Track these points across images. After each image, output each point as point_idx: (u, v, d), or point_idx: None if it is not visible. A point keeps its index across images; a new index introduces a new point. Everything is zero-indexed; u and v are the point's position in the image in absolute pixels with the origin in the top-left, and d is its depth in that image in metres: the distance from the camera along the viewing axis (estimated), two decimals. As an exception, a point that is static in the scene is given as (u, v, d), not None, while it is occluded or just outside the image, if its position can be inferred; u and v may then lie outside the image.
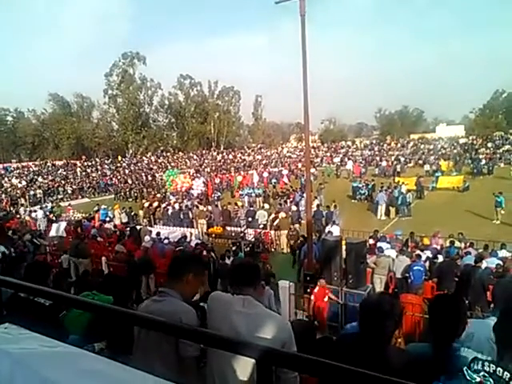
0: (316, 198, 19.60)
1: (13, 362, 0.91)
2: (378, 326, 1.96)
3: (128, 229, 16.73)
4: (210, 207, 20.82)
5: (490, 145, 41.51)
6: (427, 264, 10.50)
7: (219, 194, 27.53)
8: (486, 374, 1.21)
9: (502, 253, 11.14)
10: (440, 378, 1.50)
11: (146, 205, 22.48)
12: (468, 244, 12.40)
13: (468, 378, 1.24)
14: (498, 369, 1.20)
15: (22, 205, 29.01)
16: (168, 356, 1.97)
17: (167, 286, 2.22)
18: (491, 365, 1.21)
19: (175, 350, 1.96)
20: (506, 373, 1.18)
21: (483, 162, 32.29)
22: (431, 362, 1.74)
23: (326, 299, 8.28)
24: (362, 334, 2.02)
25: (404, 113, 70.20)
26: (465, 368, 1.27)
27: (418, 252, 11.20)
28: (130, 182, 36.54)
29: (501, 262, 9.45)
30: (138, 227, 17.34)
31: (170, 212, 20.55)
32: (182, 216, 20.03)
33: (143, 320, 1.57)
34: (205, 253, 11.61)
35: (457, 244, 12.58)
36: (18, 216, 23.18)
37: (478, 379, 1.23)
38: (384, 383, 1.05)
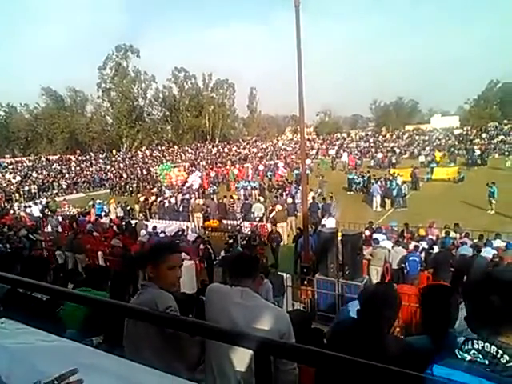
0: (311, 190, 19.59)
1: (10, 356, 0.91)
2: (380, 316, 1.97)
3: (124, 223, 16.72)
4: (206, 200, 20.81)
5: (484, 135, 41.64)
6: (423, 255, 10.58)
7: (215, 187, 27.49)
8: (476, 352, 1.26)
9: (497, 242, 11.25)
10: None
11: (142, 199, 22.43)
12: (463, 234, 12.50)
13: (459, 357, 1.29)
14: (486, 344, 1.24)
15: (17, 200, 28.86)
16: (155, 342, 1.96)
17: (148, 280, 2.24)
18: (479, 341, 1.26)
19: (161, 334, 1.94)
20: (492, 347, 1.23)
21: (478, 152, 32.40)
22: (431, 351, 1.76)
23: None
24: (361, 323, 2.04)
25: (399, 104, 70.17)
26: (456, 350, 1.31)
27: (414, 243, 11.28)
28: (125, 176, 36.38)
29: (496, 252, 9.55)
30: (134, 221, 17.33)
31: (166, 206, 20.53)
32: (178, 210, 20.01)
33: (138, 313, 1.57)
34: (202, 246, 11.65)
35: (452, 234, 12.67)
36: (13, 212, 23.06)
37: (469, 357, 1.27)
38: (382, 372, 1.06)
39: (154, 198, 22.51)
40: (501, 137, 40.04)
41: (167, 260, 2.19)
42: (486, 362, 1.23)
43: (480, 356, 1.24)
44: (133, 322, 2.02)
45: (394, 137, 48.20)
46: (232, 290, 2.09)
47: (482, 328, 1.29)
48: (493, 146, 37.43)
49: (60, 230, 17.18)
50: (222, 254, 11.27)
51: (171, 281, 2.16)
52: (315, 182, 24.86)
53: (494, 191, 17.97)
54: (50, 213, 21.63)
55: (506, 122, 47.80)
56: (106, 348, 2.25)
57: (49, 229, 17.03)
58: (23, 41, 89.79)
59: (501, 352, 1.22)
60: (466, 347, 1.29)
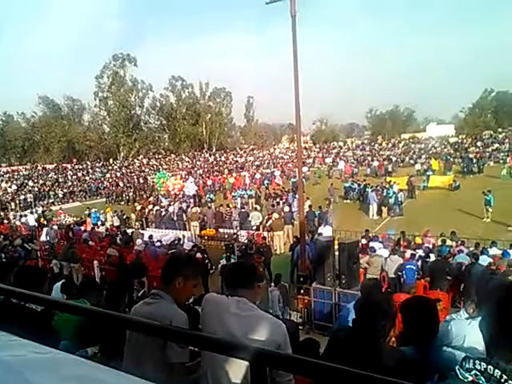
0: (308, 198, 19.59)
1: (2, 369, 0.89)
2: (374, 325, 1.97)
3: (119, 232, 16.64)
4: (202, 209, 20.77)
5: (479, 144, 41.90)
6: (419, 263, 10.57)
7: (212, 195, 27.46)
8: (478, 373, 1.20)
9: (493, 251, 11.26)
10: (433, 377, 1.50)
11: (139, 208, 22.36)
12: (459, 242, 12.52)
13: (460, 377, 1.24)
14: (489, 367, 1.19)
15: (12, 209, 28.70)
16: (158, 359, 1.96)
17: (160, 289, 2.19)
18: (482, 363, 1.21)
19: (163, 353, 1.95)
20: (496, 370, 1.17)
21: (473, 160, 32.58)
22: (419, 361, 1.75)
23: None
24: (356, 332, 2.03)
25: (395, 112, 70.67)
26: (457, 367, 1.26)
27: (410, 251, 11.28)
28: (121, 184, 36.30)
29: (491, 260, 9.55)
30: (130, 230, 17.25)
31: (162, 215, 20.48)
32: (174, 218, 19.96)
33: (135, 323, 1.56)
34: (199, 255, 11.59)
35: (448, 243, 12.68)
36: (8, 221, 22.92)
37: (471, 378, 1.22)
38: (379, 383, 1.05)
39: (150, 206, 22.45)
40: (496, 145, 40.31)
41: (197, 277, 2.23)
42: None
43: (482, 379, 1.19)
44: (136, 335, 2.00)
45: (390, 145, 48.43)
46: (228, 300, 2.07)
47: (497, 350, 1.24)
48: (488, 154, 37.65)
49: (56, 239, 17.08)
50: (224, 262, 11.21)
51: (188, 297, 2.19)
52: (312, 190, 24.88)
53: (491, 199, 17.96)
54: (45, 222, 21.51)
55: (500, 130, 48.20)
56: (101, 358, 2.24)
57: (44, 238, 16.91)
58: (20, 49, 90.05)
59: (505, 377, 1.16)
60: (467, 366, 1.24)
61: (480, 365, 1.20)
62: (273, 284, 9.41)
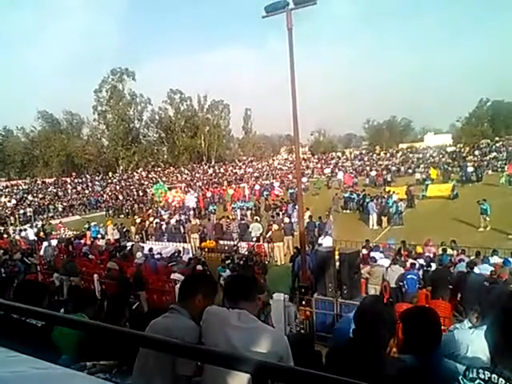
0: (307, 209, 19.56)
1: (2, 385, 0.89)
2: (374, 335, 1.95)
3: (119, 245, 16.58)
4: (202, 221, 20.74)
5: (477, 152, 42.13)
6: (421, 272, 10.53)
7: (215, 207, 27.47)
8: (482, 382, 1.20)
9: (494, 259, 11.22)
10: None
11: (138, 221, 22.32)
12: (460, 251, 12.48)
13: None
14: (493, 375, 1.19)
15: (12, 224, 28.63)
16: (168, 373, 1.97)
17: (178, 304, 2.24)
18: (486, 372, 1.20)
19: (172, 366, 1.95)
20: (500, 379, 1.17)
21: (471, 169, 32.69)
22: (420, 370, 1.74)
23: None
24: (357, 342, 2.01)
25: (392, 122, 71.17)
26: (460, 377, 1.26)
27: (411, 261, 11.23)
28: (121, 197, 36.32)
29: (493, 269, 9.51)
30: (130, 243, 17.19)
31: (162, 227, 20.44)
32: (174, 231, 19.92)
33: (134, 337, 1.54)
34: (199, 267, 11.53)
35: (449, 251, 12.64)
36: (8, 235, 22.85)
37: None
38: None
39: (151, 219, 22.42)
40: (493, 154, 40.53)
41: (214, 296, 2.30)
42: None
43: None
44: (147, 351, 2.01)
45: (388, 155, 48.62)
46: (229, 312, 2.06)
47: (501, 359, 1.23)
48: (486, 162, 37.83)
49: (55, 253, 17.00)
50: (228, 273, 11.11)
51: (202, 313, 2.23)
52: (311, 200, 24.90)
53: (487, 208, 17.72)
54: (45, 236, 21.44)
55: (497, 138, 48.49)
56: (101, 372, 2.22)
57: (42, 253, 16.83)
58: (19, 64, 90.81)
59: None
60: (470, 375, 1.24)
61: (484, 374, 1.20)
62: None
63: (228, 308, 2.11)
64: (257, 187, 34.54)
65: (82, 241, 18.70)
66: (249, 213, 24.59)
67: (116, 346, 2.17)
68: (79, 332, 2.37)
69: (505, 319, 1.28)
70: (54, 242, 17.57)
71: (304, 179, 32.70)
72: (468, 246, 12.89)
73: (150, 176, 47.23)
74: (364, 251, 12.61)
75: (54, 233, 22.90)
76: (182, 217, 22.91)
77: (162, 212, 26.35)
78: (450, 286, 9.41)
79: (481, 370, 1.21)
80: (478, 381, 1.21)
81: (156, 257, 13.72)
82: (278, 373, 1.21)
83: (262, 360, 1.23)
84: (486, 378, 1.19)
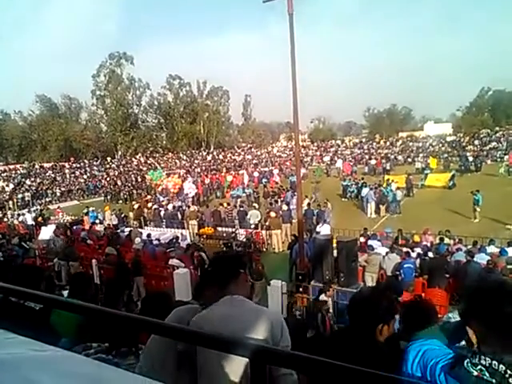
0: (306, 196, 19.60)
1: (0, 367, 0.89)
2: (372, 322, 1.97)
3: (117, 231, 16.61)
4: (200, 208, 20.74)
5: (477, 142, 42.04)
6: (418, 261, 10.60)
7: (218, 193, 27.41)
8: (483, 368, 1.21)
9: (491, 248, 11.29)
10: (442, 367, 1.50)
11: (136, 206, 22.31)
12: (457, 240, 12.54)
13: (468, 370, 1.25)
14: (494, 362, 1.19)
15: (10, 208, 28.62)
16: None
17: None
18: (487, 358, 1.21)
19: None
20: (501, 365, 1.18)
21: (470, 159, 32.68)
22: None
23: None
24: (354, 329, 2.04)
25: (392, 111, 70.74)
26: (466, 361, 1.27)
27: (406, 250, 11.28)
28: (119, 183, 36.24)
29: (489, 258, 9.58)
30: (128, 229, 17.22)
31: (161, 213, 20.45)
32: (172, 217, 19.94)
33: (131, 320, 1.54)
34: (196, 253, 11.58)
35: (446, 241, 12.71)
36: (6, 220, 22.86)
37: (476, 373, 1.22)
38: (380, 379, 1.04)
39: (149, 205, 22.40)
40: (493, 144, 40.46)
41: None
42: (494, 381, 1.18)
43: (487, 374, 1.20)
44: (156, 340, 1.91)
45: (388, 144, 48.51)
46: (223, 298, 2.04)
47: (493, 344, 1.24)
48: (485, 152, 37.78)
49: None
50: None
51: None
52: (310, 188, 24.90)
53: (479, 199, 17.71)
54: (43, 221, 21.44)
55: (497, 128, 48.33)
56: (104, 355, 2.22)
57: (41, 237, 16.86)
58: (17, 48, 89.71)
59: (510, 372, 1.16)
60: (474, 361, 1.24)
61: (485, 360, 1.21)
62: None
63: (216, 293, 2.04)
64: (256, 174, 34.49)
65: (81, 226, 18.72)
66: (248, 200, 24.58)
67: (115, 328, 2.17)
68: (77, 316, 2.38)
69: (488, 307, 1.29)
70: (52, 227, 17.59)
71: (303, 170, 32.65)
72: (465, 235, 12.95)
73: (148, 162, 47.09)
74: (362, 239, 12.67)
75: (52, 218, 22.90)
76: (181, 203, 22.89)
77: (161, 198, 26.33)
78: (447, 275, 9.48)
79: (483, 356, 1.22)
80: (479, 366, 1.22)
81: (154, 242, 13.76)
82: (276, 357, 1.22)
83: (259, 344, 1.24)
84: (487, 364, 1.20)
